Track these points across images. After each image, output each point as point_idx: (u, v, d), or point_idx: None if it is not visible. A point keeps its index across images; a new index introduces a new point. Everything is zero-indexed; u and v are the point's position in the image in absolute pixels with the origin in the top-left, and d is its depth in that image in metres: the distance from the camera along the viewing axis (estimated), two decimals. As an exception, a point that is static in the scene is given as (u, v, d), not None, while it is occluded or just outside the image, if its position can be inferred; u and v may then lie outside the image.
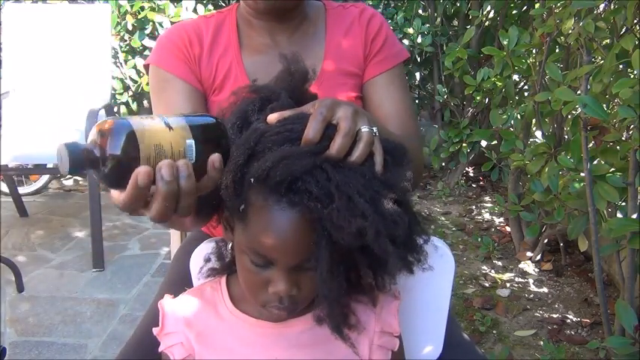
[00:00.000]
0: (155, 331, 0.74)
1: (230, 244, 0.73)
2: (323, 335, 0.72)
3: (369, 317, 0.73)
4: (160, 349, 0.73)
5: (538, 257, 2.36)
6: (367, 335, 0.74)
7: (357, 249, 0.59)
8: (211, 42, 1.02)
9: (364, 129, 0.62)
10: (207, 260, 0.77)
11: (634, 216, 1.30)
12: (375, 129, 0.64)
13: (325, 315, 0.66)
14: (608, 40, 1.55)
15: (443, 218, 2.91)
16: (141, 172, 0.50)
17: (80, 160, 0.50)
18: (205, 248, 0.85)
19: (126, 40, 3.08)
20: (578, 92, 1.43)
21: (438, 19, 3.18)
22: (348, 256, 0.61)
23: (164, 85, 0.99)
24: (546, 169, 1.55)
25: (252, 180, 0.60)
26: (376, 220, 0.57)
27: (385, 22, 1.07)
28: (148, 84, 1.30)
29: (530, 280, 2.25)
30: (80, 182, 3.45)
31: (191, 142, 0.53)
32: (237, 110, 0.68)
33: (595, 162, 1.37)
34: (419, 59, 3.20)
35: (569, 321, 1.97)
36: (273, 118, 0.64)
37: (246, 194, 0.61)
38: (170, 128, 0.52)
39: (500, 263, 2.41)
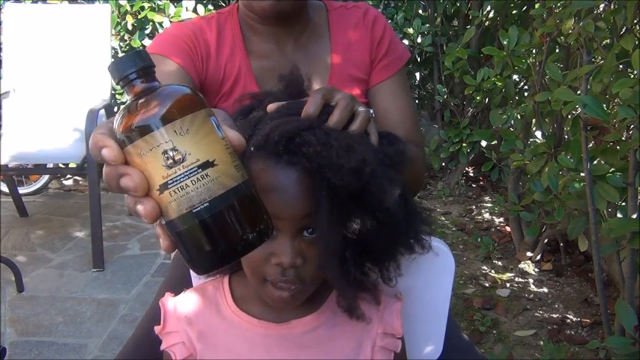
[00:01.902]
0: (157, 329, 0.73)
1: None
2: (326, 337, 0.72)
3: (371, 317, 0.73)
4: (161, 348, 0.73)
5: (538, 257, 2.36)
6: (369, 336, 0.73)
7: (356, 204, 0.59)
8: (217, 45, 0.99)
9: (361, 108, 0.64)
10: None
11: (634, 216, 1.29)
12: (371, 111, 0.66)
13: (335, 290, 0.65)
14: (608, 40, 1.55)
15: (443, 218, 2.91)
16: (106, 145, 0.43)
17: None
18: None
19: (126, 40, 3.08)
20: (578, 92, 1.42)
21: (438, 19, 3.18)
22: (348, 215, 0.60)
23: (165, 73, 0.92)
24: (546, 169, 1.55)
25: (252, 149, 0.60)
26: (374, 161, 0.58)
27: (387, 23, 1.07)
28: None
29: (530, 280, 2.25)
30: (80, 182, 3.45)
31: None
32: (239, 109, 0.70)
33: (595, 162, 1.37)
34: (419, 59, 3.20)
35: (569, 321, 1.97)
36: (272, 106, 0.65)
37: (246, 166, 0.61)
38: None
39: (500, 263, 2.40)
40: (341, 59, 1.02)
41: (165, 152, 0.41)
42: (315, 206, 0.59)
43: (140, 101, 0.43)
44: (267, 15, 0.95)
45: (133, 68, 0.44)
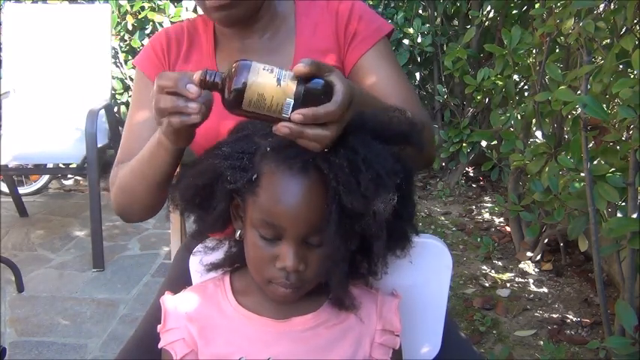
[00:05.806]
0: (159, 328, 0.74)
1: (238, 232, 0.73)
2: (325, 335, 0.72)
3: (370, 315, 0.74)
4: (160, 346, 0.74)
5: (538, 257, 2.36)
6: (368, 333, 0.74)
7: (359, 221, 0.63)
8: (188, 48, 1.01)
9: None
10: (212, 249, 0.79)
11: (634, 216, 1.29)
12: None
13: (332, 288, 0.70)
14: (608, 40, 1.55)
15: (443, 218, 2.91)
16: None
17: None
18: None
19: (126, 40, 3.08)
20: (578, 92, 1.43)
21: (438, 19, 3.18)
22: (352, 229, 0.64)
23: (143, 90, 0.98)
24: (546, 169, 1.55)
25: (267, 149, 0.64)
26: (383, 203, 0.62)
27: (358, 3, 1.00)
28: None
29: (530, 280, 2.25)
30: (80, 182, 3.45)
31: (290, 101, 0.60)
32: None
33: (595, 162, 1.37)
34: (419, 59, 3.20)
35: (569, 321, 1.97)
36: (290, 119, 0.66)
37: (258, 166, 0.64)
38: (278, 84, 0.60)
39: (500, 263, 2.40)
40: (305, 51, 0.98)
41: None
42: (326, 218, 0.62)
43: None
44: (221, 24, 0.97)
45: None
